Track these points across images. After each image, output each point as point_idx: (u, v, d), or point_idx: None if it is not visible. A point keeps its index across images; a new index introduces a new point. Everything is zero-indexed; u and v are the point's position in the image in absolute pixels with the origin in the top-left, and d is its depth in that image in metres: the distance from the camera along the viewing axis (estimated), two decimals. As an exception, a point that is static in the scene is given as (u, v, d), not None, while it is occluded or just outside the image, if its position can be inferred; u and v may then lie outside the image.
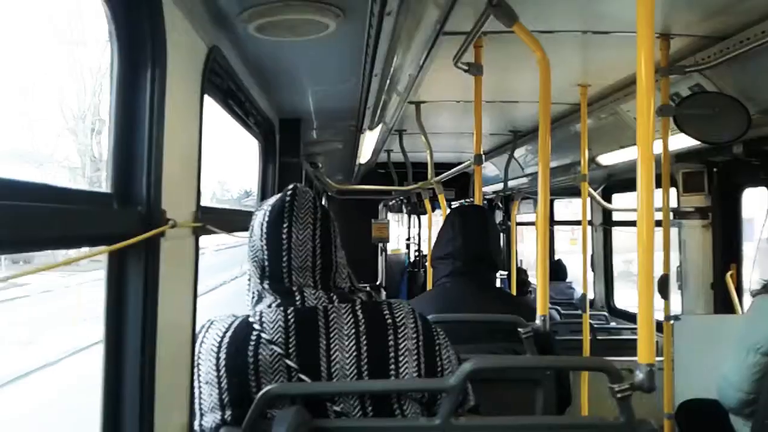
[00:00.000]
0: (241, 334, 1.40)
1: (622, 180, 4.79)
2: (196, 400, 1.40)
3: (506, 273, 5.83)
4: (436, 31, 2.06)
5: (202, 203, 1.45)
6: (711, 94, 2.73)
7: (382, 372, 1.38)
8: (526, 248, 8.94)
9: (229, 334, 1.41)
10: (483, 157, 2.98)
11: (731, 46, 2.43)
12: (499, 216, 6.72)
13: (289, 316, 1.40)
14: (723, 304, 3.77)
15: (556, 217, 7.12)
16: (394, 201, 8.36)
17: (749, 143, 2.96)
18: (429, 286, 4.11)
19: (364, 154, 4.54)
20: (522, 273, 6.06)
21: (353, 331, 1.39)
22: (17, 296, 12.66)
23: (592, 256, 5.41)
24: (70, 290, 13.67)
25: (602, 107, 3.55)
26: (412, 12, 1.65)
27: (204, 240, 1.50)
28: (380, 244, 7.95)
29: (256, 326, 1.40)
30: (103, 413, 1.11)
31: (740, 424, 2.46)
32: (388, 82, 2.24)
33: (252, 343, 1.38)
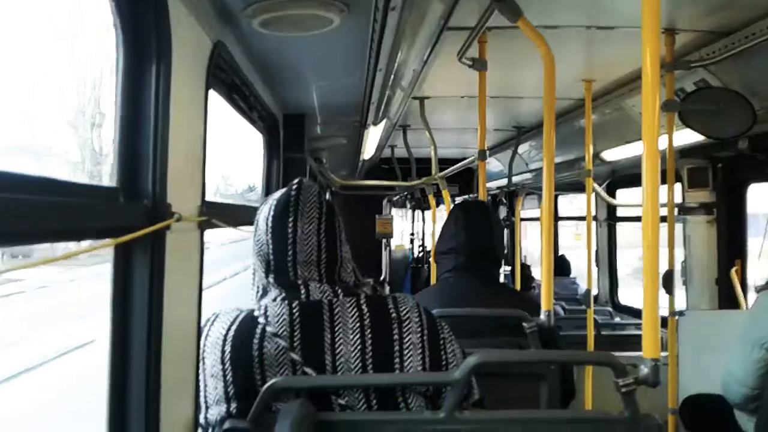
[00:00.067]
0: (246, 327, 1.41)
1: (626, 175, 4.78)
2: (202, 393, 1.41)
3: (510, 268, 5.84)
4: (441, 26, 2.06)
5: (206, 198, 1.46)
6: (716, 89, 2.72)
7: (387, 366, 1.39)
8: (530, 244, 8.93)
9: (234, 327, 1.41)
10: (487, 152, 2.98)
11: (736, 42, 2.42)
12: (503, 212, 6.71)
13: (294, 310, 1.40)
14: (727, 299, 3.77)
15: (560, 213, 7.11)
16: (398, 196, 8.37)
17: (754, 138, 2.95)
18: (433, 281, 4.12)
19: (368, 150, 4.54)
20: (525, 268, 6.06)
21: (358, 324, 1.40)
22: (12, 292, 12.33)
23: (596, 251, 5.40)
24: (68, 286, 13.53)
25: (607, 102, 3.54)
26: (416, 7, 1.65)
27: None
28: (384, 240, 7.96)
29: (261, 320, 1.41)
30: (109, 406, 1.12)
31: (744, 419, 2.46)
32: (392, 77, 2.24)
33: (257, 336, 1.39)
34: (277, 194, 1.49)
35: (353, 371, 1.38)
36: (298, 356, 1.37)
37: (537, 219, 6.87)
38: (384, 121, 3.24)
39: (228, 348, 1.39)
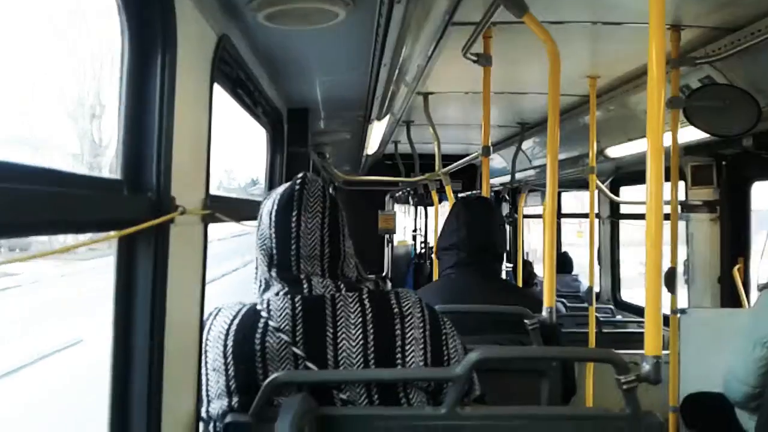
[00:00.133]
0: (249, 321, 1.41)
1: (630, 173, 4.77)
2: (204, 387, 1.41)
3: (512, 265, 5.83)
4: (446, 21, 2.06)
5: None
6: (721, 86, 2.71)
7: (389, 361, 1.39)
8: (533, 240, 8.92)
9: (236, 321, 1.42)
10: (491, 148, 2.98)
11: (742, 38, 2.41)
12: (506, 208, 6.71)
13: (297, 304, 1.40)
14: (730, 298, 3.77)
15: (563, 210, 7.10)
16: (400, 192, 8.36)
17: (759, 136, 2.94)
18: (435, 277, 4.12)
19: (372, 145, 4.53)
20: (528, 265, 6.05)
21: (360, 319, 1.40)
22: (8, 286, 11.96)
23: (598, 249, 5.39)
24: (65, 280, 13.31)
25: (611, 99, 3.53)
26: (421, 1, 1.65)
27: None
28: (386, 236, 7.96)
29: (264, 314, 1.41)
30: (111, 399, 1.12)
31: (746, 417, 2.46)
32: (396, 72, 2.24)
33: (259, 330, 1.39)
34: (281, 188, 1.49)
35: (355, 366, 1.38)
36: (301, 351, 1.37)
37: (540, 216, 6.88)
38: (388, 117, 3.23)
39: (230, 342, 1.39)
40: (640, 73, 3.12)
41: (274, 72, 2.19)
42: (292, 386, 1.36)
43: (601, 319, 4.31)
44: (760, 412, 2.33)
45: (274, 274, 1.45)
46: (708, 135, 2.83)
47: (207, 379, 1.41)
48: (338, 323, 1.39)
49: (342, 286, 1.44)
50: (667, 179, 2.88)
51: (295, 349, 1.38)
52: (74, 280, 13.23)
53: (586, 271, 3.73)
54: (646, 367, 1.41)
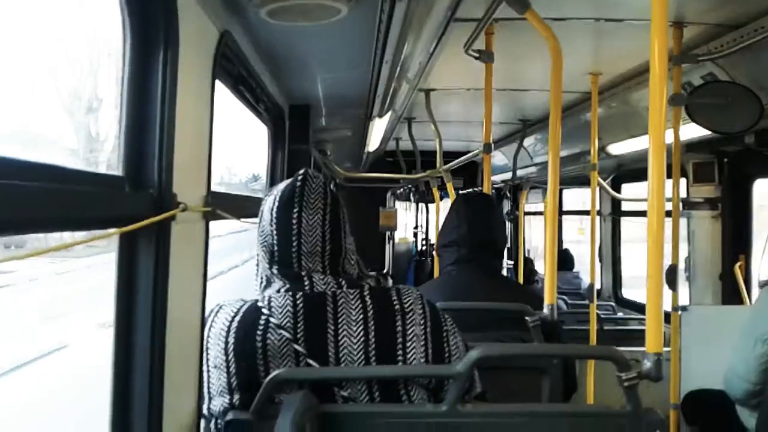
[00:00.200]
0: (250, 318, 1.41)
1: (631, 170, 4.76)
2: (205, 384, 1.41)
3: (513, 262, 5.83)
4: (447, 17, 2.05)
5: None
6: (723, 83, 2.70)
7: (390, 358, 1.39)
8: (534, 237, 8.90)
9: (237, 318, 1.42)
10: (492, 145, 2.97)
11: (745, 35, 2.41)
12: (507, 205, 6.70)
13: (298, 301, 1.40)
14: (731, 295, 3.76)
15: (565, 207, 7.09)
16: (402, 189, 8.35)
17: (761, 133, 2.94)
18: (436, 275, 4.12)
19: (373, 142, 4.53)
20: (529, 262, 6.05)
21: (361, 316, 1.40)
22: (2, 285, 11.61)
23: (599, 246, 5.39)
24: (60, 278, 13.06)
25: (613, 96, 3.53)
26: (423, -2, 1.64)
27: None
28: (388, 233, 7.96)
29: (265, 311, 1.41)
30: (113, 396, 1.12)
31: (746, 414, 2.46)
32: (398, 69, 2.23)
33: (260, 327, 1.39)
34: (282, 185, 1.49)
35: (356, 363, 1.38)
36: (302, 348, 1.37)
37: (541, 213, 6.87)
38: (389, 114, 3.23)
39: (231, 339, 1.39)
40: (643, 70, 3.11)
41: (275, 68, 2.19)
42: (294, 383, 1.36)
43: (602, 316, 4.30)
44: (760, 410, 2.33)
45: (275, 270, 1.45)
46: (710, 132, 2.83)
47: (208, 377, 1.41)
48: (339, 320, 1.39)
49: (343, 282, 1.43)
50: (669, 176, 2.88)
51: (296, 346, 1.38)
52: (70, 278, 13.03)
53: (587, 269, 3.72)
54: (647, 364, 1.41)
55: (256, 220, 1.51)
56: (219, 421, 1.39)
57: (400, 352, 1.40)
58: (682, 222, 3.38)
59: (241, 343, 1.39)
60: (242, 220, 1.71)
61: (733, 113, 2.62)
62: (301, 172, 1.47)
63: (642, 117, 3.34)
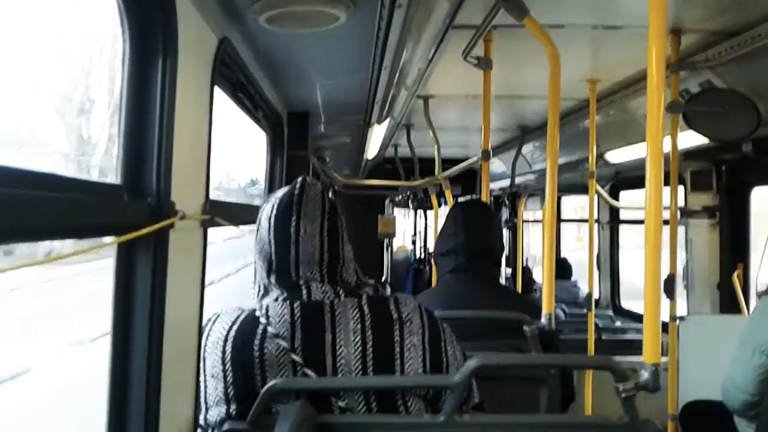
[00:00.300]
0: (248, 327, 1.40)
1: (629, 177, 4.77)
2: (202, 394, 1.40)
3: (511, 271, 5.82)
4: (446, 24, 2.05)
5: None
6: (721, 91, 2.71)
7: (387, 367, 1.38)
8: (532, 245, 8.89)
9: (235, 327, 1.41)
10: (491, 153, 2.97)
11: (742, 43, 2.41)
12: (505, 213, 6.70)
13: (296, 311, 1.39)
14: (729, 304, 3.76)
15: (563, 215, 7.09)
16: (400, 196, 8.35)
17: (759, 141, 2.94)
18: (434, 283, 4.12)
19: (372, 149, 4.53)
20: (527, 271, 6.03)
21: (359, 326, 1.39)
22: None
23: (597, 254, 5.38)
24: (47, 287, 12.76)
25: (611, 103, 3.53)
26: (422, 4, 1.64)
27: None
28: (386, 240, 7.94)
29: (262, 320, 1.40)
30: (109, 405, 1.11)
31: (744, 425, 2.45)
32: (397, 75, 2.23)
33: (258, 336, 1.38)
34: (280, 193, 1.48)
35: (353, 373, 1.37)
36: (299, 357, 1.36)
37: (539, 221, 6.86)
38: (388, 120, 3.22)
39: (229, 348, 1.38)
40: (640, 78, 3.12)
41: (274, 75, 2.19)
42: (291, 393, 1.35)
43: (601, 325, 4.30)
44: (758, 420, 2.33)
45: (272, 279, 1.44)
46: (708, 140, 2.83)
47: (205, 386, 1.40)
48: (337, 330, 1.39)
49: (341, 291, 1.43)
50: (667, 184, 2.87)
51: (293, 356, 1.37)
52: (55, 288, 12.67)
53: (585, 277, 3.71)
54: (644, 374, 1.40)
55: (254, 226, 1.51)
56: (215, 431, 1.38)
57: (397, 362, 1.39)
58: (680, 230, 3.37)
59: (238, 352, 1.38)
60: (240, 227, 1.70)
61: (730, 121, 2.63)
62: (299, 179, 1.47)
63: (640, 124, 3.34)
